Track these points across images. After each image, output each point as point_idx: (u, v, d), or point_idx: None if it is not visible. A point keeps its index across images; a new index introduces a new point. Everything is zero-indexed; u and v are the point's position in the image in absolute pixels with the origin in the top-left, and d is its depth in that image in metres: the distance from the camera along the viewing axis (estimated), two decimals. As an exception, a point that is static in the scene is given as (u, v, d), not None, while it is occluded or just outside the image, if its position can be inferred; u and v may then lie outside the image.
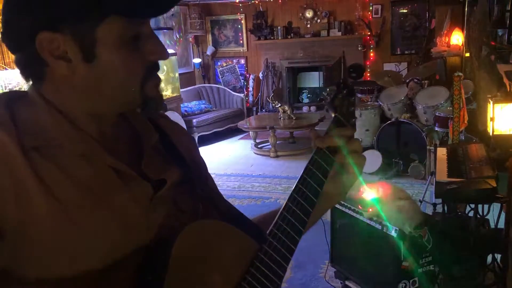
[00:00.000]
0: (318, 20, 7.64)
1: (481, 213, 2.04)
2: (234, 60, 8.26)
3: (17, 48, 0.66)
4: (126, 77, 0.67)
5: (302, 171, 0.77)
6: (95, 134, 0.69)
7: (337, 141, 0.78)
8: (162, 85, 0.74)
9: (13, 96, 0.68)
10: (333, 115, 0.81)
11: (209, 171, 0.88)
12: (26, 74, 0.68)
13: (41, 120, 0.66)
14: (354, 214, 2.36)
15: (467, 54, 4.84)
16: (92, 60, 0.64)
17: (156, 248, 0.67)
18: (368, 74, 7.49)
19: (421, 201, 3.43)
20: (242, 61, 8.25)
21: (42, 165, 0.62)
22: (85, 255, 0.62)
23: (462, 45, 5.17)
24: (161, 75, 6.21)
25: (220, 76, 8.28)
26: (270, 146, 5.83)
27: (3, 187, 0.58)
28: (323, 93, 0.85)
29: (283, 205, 0.76)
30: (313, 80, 8.29)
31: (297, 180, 0.77)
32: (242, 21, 8.09)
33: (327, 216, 2.80)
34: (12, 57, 3.35)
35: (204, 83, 8.10)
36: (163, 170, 0.74)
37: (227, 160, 5.84)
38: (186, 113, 6.60)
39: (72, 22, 0.62)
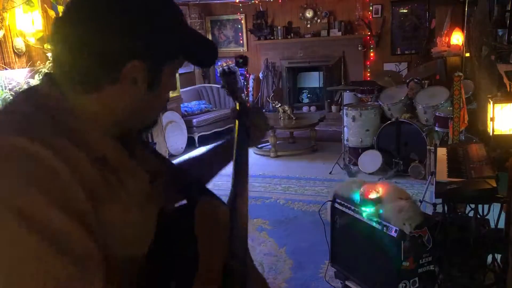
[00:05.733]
0: (318, 20, 7.64)
1: (481, 213, 2.04)
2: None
3: (102, 65, 0.69)
4: (162, 105, 0.82)
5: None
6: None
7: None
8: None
9: (52, 107, 0.69)
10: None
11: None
12: (84, 81, 0.70)
13: (89, 136, 0.70)
14: (354, 214, 2.36)
15: (467, 54, 4.84)
16: (155, 89, 0.74)
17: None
18: (368, 74, 7.49)
19: (421, 201, 3.43)
20: (242, 61, 8.24)
21: (105, 175, 0.70)
22: (139, 243, 0.75)
23: (462, 45, 5.17)
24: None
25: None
26: (270, 146, 5.83)
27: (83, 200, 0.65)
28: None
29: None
30: (313, 80, 8.29)
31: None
32: (242, 21, 8.09)
33: (327, 216, 2.79)
34: (12, 56, 3.30)
35: (204, 83, 8.10)
36: (150, 161, 0.88)
37: (227, 160, 5.82)
38: (186, 113, 6.60)
39: (156, 56, 0.72)
